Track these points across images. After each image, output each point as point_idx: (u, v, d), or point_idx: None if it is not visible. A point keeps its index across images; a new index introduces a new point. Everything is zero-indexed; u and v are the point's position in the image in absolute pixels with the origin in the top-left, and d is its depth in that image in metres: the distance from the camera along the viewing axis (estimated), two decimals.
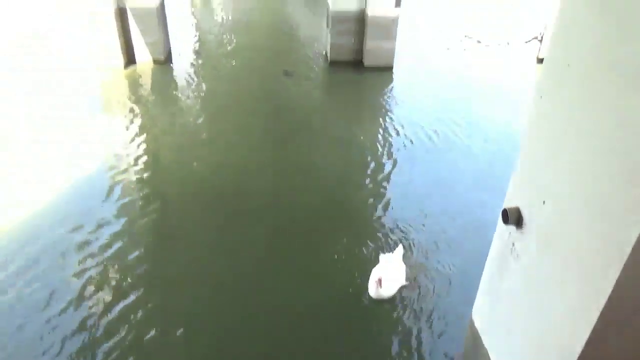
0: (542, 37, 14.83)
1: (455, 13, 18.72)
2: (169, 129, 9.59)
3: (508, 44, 15.52)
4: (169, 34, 13.39)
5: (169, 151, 8.81)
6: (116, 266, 6.09)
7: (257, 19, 17.70)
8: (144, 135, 9.20)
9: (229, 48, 14.49)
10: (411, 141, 9.45)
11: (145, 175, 8.04)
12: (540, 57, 13.94)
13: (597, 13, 2.47)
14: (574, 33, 2.70)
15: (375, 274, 5.73)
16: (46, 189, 7.45)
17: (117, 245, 6.43)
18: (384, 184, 8.12)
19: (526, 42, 15.59)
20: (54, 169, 8.00)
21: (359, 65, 13.03)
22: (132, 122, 9.71)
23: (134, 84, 11.53)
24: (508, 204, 3.42)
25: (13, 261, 6.07)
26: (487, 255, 3.93)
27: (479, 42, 15.74)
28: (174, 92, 11.44)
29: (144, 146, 8.82)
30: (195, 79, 12.15)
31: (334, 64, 13.14)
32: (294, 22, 18.00)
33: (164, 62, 12.65)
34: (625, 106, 2.21)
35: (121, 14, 11.71)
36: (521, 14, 18.33)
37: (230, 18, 17.87)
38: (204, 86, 11.80)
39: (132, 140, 9.01)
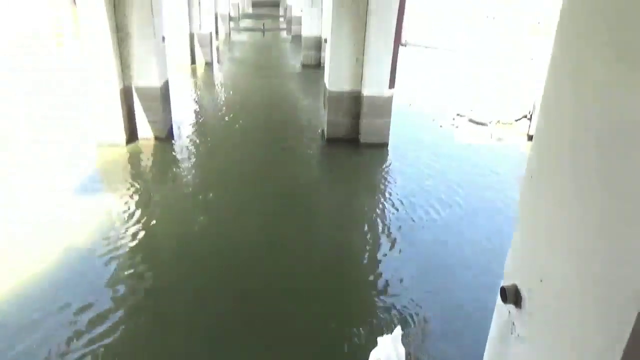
0: (531, 115, 15.43)
1: (446, 91, 19.56)
2: (166, 208, 9.62)
3: (499, 121, 16.08)
4: (172, 111, 13.88)
5: (164, 232, 8.78)
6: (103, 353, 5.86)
7: (257, 98, 18.43)
8: (141, 212, 9.22)
9: (228, 125, 14.96)
10: (412, 219, 9.45)
11: (139, 255, 7.94)
12: (531, 134, 14.40)
13: (572, 92, 2.61)
14: (559, 113, 2.84)
15: (373, 356, 5.54)
16: (37, 263, 7.35)
17: (104, 329, 6.19)
18: (382, 263, 8.02)
19: (516, 120, 16.17)
20: (48, 245, 7.94)
21: (355, 143, 13.40)
22: (130, 198, 9.77)
23: (135, 161, 11.76)
24: (506, 281, 3.39)
25: None
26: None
27: (470, 120, 16.32)
28: (174, 169, 11.64)
29: (139, 224, 8.81)
30: (195, 155, 12.42)
31: (331, 141, 13.51)
32: (292, 101, 18.73)
33: (166, 139, 13.00)
34: (617, 185, 2.28)
35: (126, 93, 12.20)
36: (511, 91, 19.19)
37: (231, 96, 18.61)
38: (203, 162, 12.05)
39: (128, 218, 9.01)
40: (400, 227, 9.09)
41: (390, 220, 9.38)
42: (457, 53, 26.75)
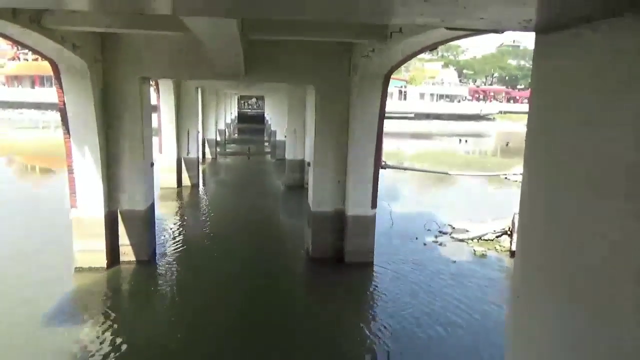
0: (511, 232, 15.75)
1: (427, 208, 20.05)
2: (144, 336, 9.14)
3: (480, 238, 16.33)
4: (156, 234, 13.84)
5: None
6: None
7: (241, 218, 18.59)
8: (118, 342, 8.73)
9: (213, 247, 14.88)
10: (399, 340, 9.13)
11: None
12: (513, 249, 14.56)
13: (547, 220, 2.75)
14: (536, 236, 2.95)
15: None
16: None
17: None
18: None
19: (497, 236, 16.45)
20: None
21: (340, 262, 13.33)
22: (107, 328, 9.28)
23: (114, 287, 11.41)
24: None
25: None
26: None
27: (452, 237, 16.57)
28: (155, 295, 11.28)
29: (115, 354, 8.30)
30: (177, 281, 12.13)
31: (316, 261, 13.43)
32: (277, 221, 18.93)
33: (148, 262, 12.79)
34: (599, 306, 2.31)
35: (110, 217, 12.22)
36: (491, 206, 19.71)
37: (215, 218, 18.75)
38: (185, 287, 11.73)
39: (106, 349, 8.51)
40: (389, 352, 8.74)
41: (380, 343, 9.00)
42: (433, 174, 28.00)
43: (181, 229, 16.99)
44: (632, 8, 2.10)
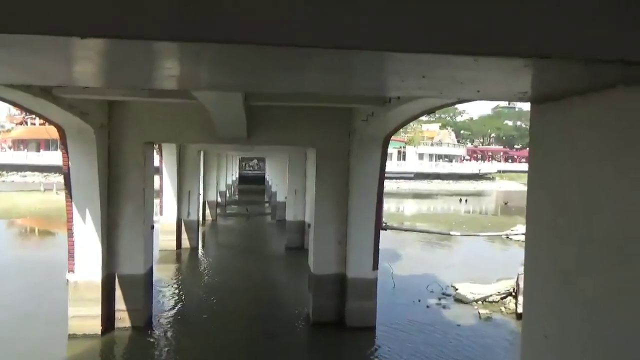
0: (515, 293, 15.43)
1: (430, 269, 19.75)
2: None
3: (485, 300, 15.98)
4: (153, 299, 13.54)
5: None
6: None
7: (241, 281, 18.27)
8: None
9: (211, 312, 14.51)
10: None
11: None
12: (519, 311, 14.20)
13: (549, 282, 2.72)
14: (544, 302, 2.90)
15: None
16: None
17: None
18: None
19: (501, 298, 16.11)
20: None
21: (341, 326, 12.96)
22: None
23: (108, 356, 11.03)
24: None
25: None
26: None
27: (456, 299, 16.21)
28: None
29: None
30: (174, 350, 11.75)
31: (317, 325, 13.06)
32: (277, 284, 18.60)
33: (145, 328, 12.42)
34: None
35: (108, 281, 12.01)
36: (494, 266, 19.43)
37: (214, 281, 18.43)
38: (182, 354, 11.35)
39: None
40: None
41: None
42: (435, 234, 27.89)
43: (180, 293, 16.65)
44: (622, 82, 2.19)
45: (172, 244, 22.75)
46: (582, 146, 2.55)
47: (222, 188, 42.32)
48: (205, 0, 1.71)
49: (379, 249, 13.20)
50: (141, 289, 12.42)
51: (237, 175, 65.47)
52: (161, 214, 22.61)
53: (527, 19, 1.77)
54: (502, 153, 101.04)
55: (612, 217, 2.30)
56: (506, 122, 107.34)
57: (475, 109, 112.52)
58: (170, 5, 1.70)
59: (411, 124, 77.67)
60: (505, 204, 52.38)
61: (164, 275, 18.17)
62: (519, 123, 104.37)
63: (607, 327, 2.26)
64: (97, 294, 11.65)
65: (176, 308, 14.86)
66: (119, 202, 12.08)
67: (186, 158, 22.96)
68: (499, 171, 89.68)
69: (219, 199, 38.58)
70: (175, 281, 18.28)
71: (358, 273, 12.95)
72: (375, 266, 13.11)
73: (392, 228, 19.89)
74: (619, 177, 2.26)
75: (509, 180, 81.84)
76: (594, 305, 2.40)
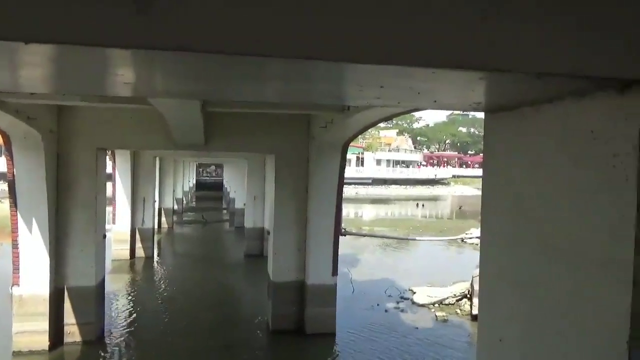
0: (470, 295, 15.85)
1: (388, 274, 19.99)
2: None
3: (441, 303, 16.32)
4: (105, 311, 13.02)
5: None
6: None
7: (198, 291, 17.88)
8: None
9: (167, 323, 14.11)
10: None
11: None
12: (474, 313, 14.57)
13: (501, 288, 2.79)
14: (498, 307, 2.97)
15: None
16: None
17: None
18: None
19: (457, 300, 16.50)
20: None
21: (301, 333, 12.89)
22: None
23: None
24: None
25: None
26: None
27: (413, 302, 16.48)
28: None
29: None
30: None
31: (276, 333, 12.94)
32: (235, 292, 18.32)
33: (96, 342, 11.92)
34: None
35: (56, 295, 11.45)
36: (450, 269, 19.85)
37: (170, 291, 17.93)
38: None
39: None
40: None
41: None
42: (393, 239, 28.32)
43: (133, 304, 16.10)
44: (570, 94, 2.29)
45: (126, 254, 22.01)
46: (533, 154, 2.64)
47: (179, 195, 41.40)
48: (159, 7, 1.65)
49: (338, 254, 13.24)
50: (92, 302, 11.91)
51: (195, 182, 64.26)
52: (114, 222, 21.84)
53: (483, 34, 1.82)
54: (456, 159, 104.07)
55: (561, 222, 2.39)
56: (460, 128, 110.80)
57: (431, 116, 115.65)
58: (122, 10, 1.64)
59: (369, 130, 78.82)
60: (460, 208, 53.87)
61: (117, 287, 17.54)
62: (472, 130, 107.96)
63: (562, 331, 2.34)
64: (45, 308, 11.09)
65: (130, 320, 14.35)
66: (69, 211, 11.57)
67: (141, 164, 22.28)
68: (453, 176, 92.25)
69: (176, 206, 37.68)
70: (129, 292, 17.67)
71: (317, 279, 12.94)
72: (334, 272, 13.14)
73: (351, 233, 20.07)
74: (567, 185, 2.36)
75: (464, 185, 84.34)
76: (547, 309, 2.48)
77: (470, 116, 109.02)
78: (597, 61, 1.91)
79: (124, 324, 13.90)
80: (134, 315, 14.90)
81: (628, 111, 1.97)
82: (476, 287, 13.86)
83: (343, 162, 13.02)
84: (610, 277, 2.01)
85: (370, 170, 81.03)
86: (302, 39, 1.76)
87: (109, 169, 16.46)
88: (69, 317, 11.70)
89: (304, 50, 1.77)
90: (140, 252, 22.88)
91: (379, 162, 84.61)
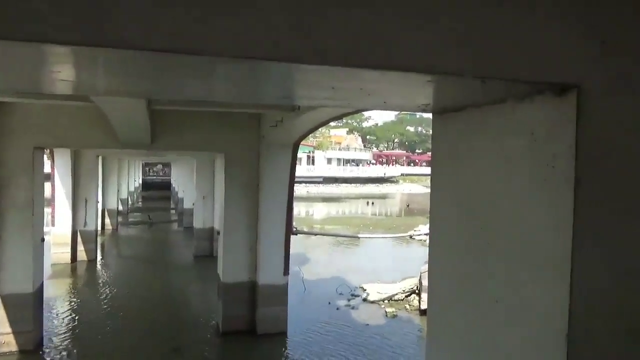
0: (419, 291, 16.27)
1: (339, 272, 20.17)
2: None
3: (391, 299, 16.65)
4: (44, 318, 12.36)
5: None
6: None
7: (144, 294, 17.33)
8: None
9: (111, 328, 13.56)
10: None
11: None
12: (423, 308, 14.96)
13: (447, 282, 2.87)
14: (445, 298, 3.05)
15: None
16: None
17: None
18: None
19: (406, 296, 16.89)
20: None
21: (252, 334, 12.77)
22: None
23: None
24: None
25: None
26: None
27: (364, 299, 16.73)
28: None
29: None
30: None
31: (227, 335, 12.74)
32: (184, 294, 17.89)
33: (34, 351, 11.29)
34: None
35: None
36: (399, 266, 20.30)
37: (115, 295, 17.26)
38: None
39: None
40: None
41: None
42: (343, 238, 28.64)
43: (75, 310, 15.37)
44: (512, 97, 2.38)
45: (67, 257, 20.97)
46: (478, 154, 2.72)
47: (124, 195, 39.93)
48: (100, 1, 1.57)
49: (289, 254, 13.22)
50: (30, 309, 11.27)
51: (141, 181, 62.22)
52: (53, 224, 20.75)
53: (431, 38, 1.86)
54: (405, 157, 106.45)
55: (503, 221, 2.48)
56: (408, 128, 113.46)
57: (380, 116, 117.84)
58: (60, 4, 1.54)
59: (320, 129, 79.30)
60: (408, 206, 55.18)
61: (58, 292, 16.70)
62: (420, 129, 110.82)
63: (504, 323, 2.43)
64: None
65: (71, 327, 13.70)
66: (3, 213, 10.89)
67: (82, 163, 21.27)
68: (402, 174, 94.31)
69: (120, 207, 36.32)
70: (70, 298, 16.86)
71: (269, 279, 12.87)
72: (286, 271, 13.11)
73: (303, 232, 20.07)
74: (509, 184, 2.45)
75: (411, 183, 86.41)
76: (491, 304, 2.57)
77: (418, 116, 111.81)
78: (537, 67, 2.00)
79: (64, 331, 13.25)
80: (76, 321, 14.22)
81: (565, 113, 2.07)
82: (424, 282, 14.26)
83: (294, 161, 13.00)
84: (550, 275, 2.10)
85: (321, 168, 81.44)
86: (250, 39, 1.72)
87: (47, 168, 15.64)
88: (4, 325, 11.02)
89: (252, 51, 1.73)
90: (82, 255, 21.86)
91: (329, 160, 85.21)
